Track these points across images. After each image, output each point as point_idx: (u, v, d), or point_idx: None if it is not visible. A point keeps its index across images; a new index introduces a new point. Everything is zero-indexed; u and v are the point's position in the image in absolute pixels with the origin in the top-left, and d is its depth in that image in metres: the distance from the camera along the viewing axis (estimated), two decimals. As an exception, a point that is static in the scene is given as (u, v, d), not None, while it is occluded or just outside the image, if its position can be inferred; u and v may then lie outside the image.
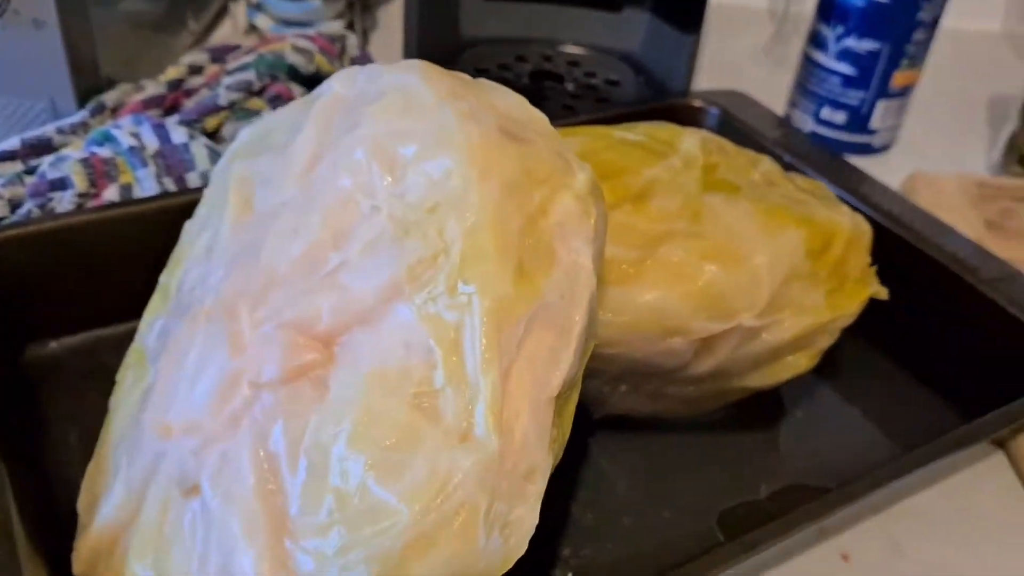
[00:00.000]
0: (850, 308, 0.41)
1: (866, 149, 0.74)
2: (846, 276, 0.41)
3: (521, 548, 0.28)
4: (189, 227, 0.41)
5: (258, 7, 0.78)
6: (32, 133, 0.57)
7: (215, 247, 0.36)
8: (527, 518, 0.28)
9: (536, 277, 0.30)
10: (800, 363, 0.42)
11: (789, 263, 0.39)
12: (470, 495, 0.27)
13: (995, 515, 0.46)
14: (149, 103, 0.60)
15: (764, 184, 0.44)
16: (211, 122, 0.59)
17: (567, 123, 0.53)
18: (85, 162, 0.53)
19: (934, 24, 0.69)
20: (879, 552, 0.43)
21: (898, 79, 0.70)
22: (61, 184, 0.53)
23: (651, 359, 0.39)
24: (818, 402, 0.51)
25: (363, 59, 0.68)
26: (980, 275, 0.50)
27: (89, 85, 0.59)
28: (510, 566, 0.28)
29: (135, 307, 0.42)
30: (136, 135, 0.55)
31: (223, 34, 0.80)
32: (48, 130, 0.57)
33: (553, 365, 0.29)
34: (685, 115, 0.63)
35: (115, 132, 0.55)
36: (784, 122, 0.63)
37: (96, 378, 0.45)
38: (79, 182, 0.52)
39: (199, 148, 0.56)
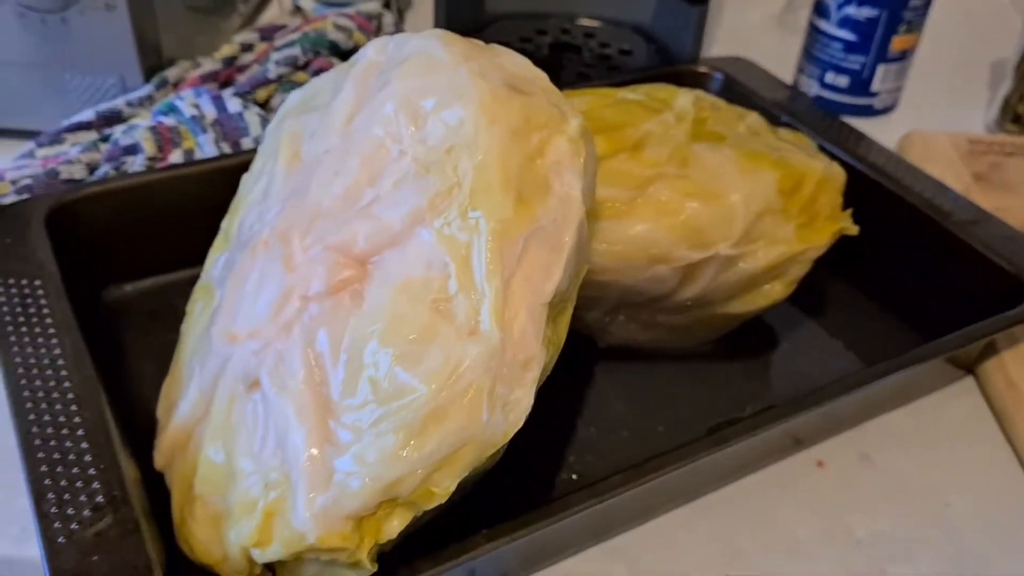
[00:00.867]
0: (819, 241, 0.46)
1: (868, 111, 0.79)
2: (817, 213, 0.47)
3: (518, 423, 0.34)
4: (246, 179, 0.47)
5: (302, -11, 0.85)
6: (104, 105, 0.64)
7: (270, 191, 0.43)
8: (524, 399, 0.34)
9: (533, 204, 0.36)
10: (776, 290, 0.47)
11: (763, 200, 0.45)
12: (477, 377, 0.33)
13: (960, 433, 0.51)
14: (206, 78, 0.67)
15: (748, 135, 0.49)
16: (262, 94, 0.66)
17: (579, 86, 0.59)
18: (153, 130, 0.61)
19: (930, -9, 0.73)
20: (852, 461, 0.49)
21: (897, 44, 0.75)
22: (133, 149, 0.60)
23: (640, 286, 0.45)
24: (801, 335, 0.57)
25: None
26: (953, 218, 0.55)
27: (153, 63, 0.66)
28: (509, 439, 0.34)
29: (197, 255, 0.48)
30: (196, 106, 0.62)
31: (270, 15, 0.87)
32: (118, 103, 0.64)
33: (547, 276, 0.35)
34: (691, 80, 0.68)
35: (178, 103, 0.62)
36: (784, 86, 0.69)
37: (163, 317, 0.53)
38: (148, 147, 0.60)
39: (252, 116, 0.63)
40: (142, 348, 0.53)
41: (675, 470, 0.40)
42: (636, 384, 0.53)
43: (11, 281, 0.46)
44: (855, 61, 0.76)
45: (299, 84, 0.67)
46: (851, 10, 0.74)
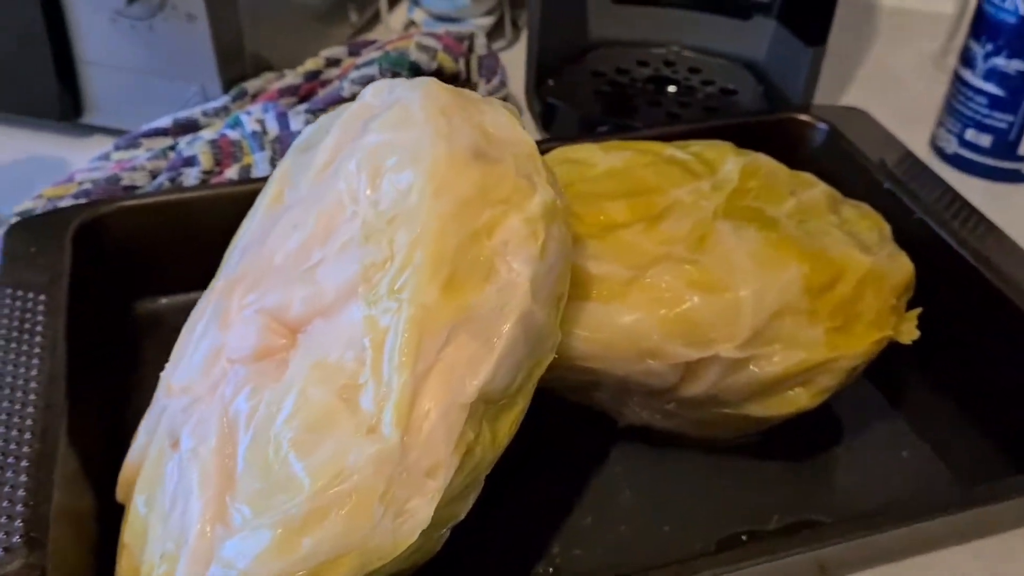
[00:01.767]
0: (854, 349, 0.40)
1: (1014, 176, 0.68)
2: (857, 316, 0.40)
3: (412, 535, 0.30)
4: (250, 212, 0.46)
5: (416, 2, 0.84)
6: (182, 113, 0.65)
7: (246, 232, 0.41)
8: (422, 509, 0.31)
9: (467, 290, 0.32)
10: (801, 399, 0.41)
11: (780, 297, 0.38)
12: (365, 480, 0.30)
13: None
14: (284, 92, 0.67)
15: (796, 213, 0.43)
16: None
17: (635, 136, 0.53)
18: (213, 143, 0.61)
19: (1098, 45, 0.62)
20: (885, 604, 0.42)
21: (1052, 103, 0.64)
22: (191, 161, 0.60)
23: (634, 377, 0.40)
24: (858, 439, 0.49)
25: (490, 58, 0.71)
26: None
27: (237, 74, 0.66)
28: (401, 551, 0.31)
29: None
30: (261, 122, 0.62)
31: (385, 28, 0.86)
32: (195, 112, 0.65)
33: (472, 373, 0.32)
34: (790, 130, 0.61)
35: (244, 118, 0.62)
36: (898, 145, 0.60)
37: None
38: (204, 161, 0.60)
39: (312, 136, 0.61)
40: (163, 363, 0.53)
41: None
42: (651, 472, 0.48)
43: (19, 293, 0.46)
44: (1001, 119, 0.66)
45: (374, 104, 0.66)
46: (1000, 61, 0.64)
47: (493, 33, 0.84)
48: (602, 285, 0.39)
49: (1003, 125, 0.66)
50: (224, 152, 0.61)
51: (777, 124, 0.61)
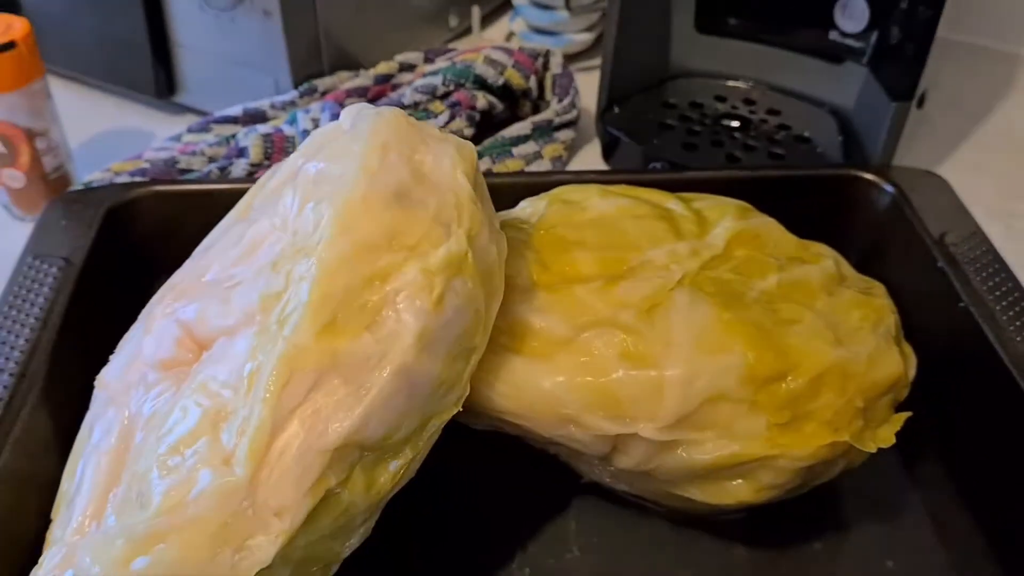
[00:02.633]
0: (799, 449, 0.36)
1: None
2: (808, 414, 0.36)
3: (250, 572, 0.30)
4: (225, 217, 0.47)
5: (517, 12, 0.83)
6: (253, 104, 0.67)
7: (208, 238, 0.42)
8: (263, 548, 0.30)
9: (344, 335, 0.31)
10: (741, 492, 0.38)
11: (713, 383, 0.35)
12: (206, 510, 0.30)
13: None
14: (352, 92, 0.68)
15: (775, 291, 0.39)
16: (393, 117, 0.66)
17: (659, 179, 0.51)
18: (267, 137, 0.63)
19: None
20: None
21: None
22: (243, 152, 0.62)
23: (561, 440, 0.38)
24: (843, 539, 0.45)
25: (564, 77, 0.70)
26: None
27: (310, 70, 0.68)
28: (239, 587, 0.30)
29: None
30: (315, 120, 0.63)
31: (488, 35, 0.86)
32: (264, 104, 0.67)
33: (335, 420, 0.31)
34: (849, 189, 0.57)
35: (301, 115, 0.64)
36: (967, 221, 0.54)
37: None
38: (254, 153, 0.62)
39: (361, 140, 0.62)
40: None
41: None
42: (607, 536, 0.45)
43: (36, 262, 0.50)
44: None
45: (433, 114, 0.66)
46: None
47: (591, 51, 0.82)
48: (536, 340, 0.38)
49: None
50: (276, 147, 0.63)
51: (834, 181, 0.57)
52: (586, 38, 0.82)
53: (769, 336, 0.37)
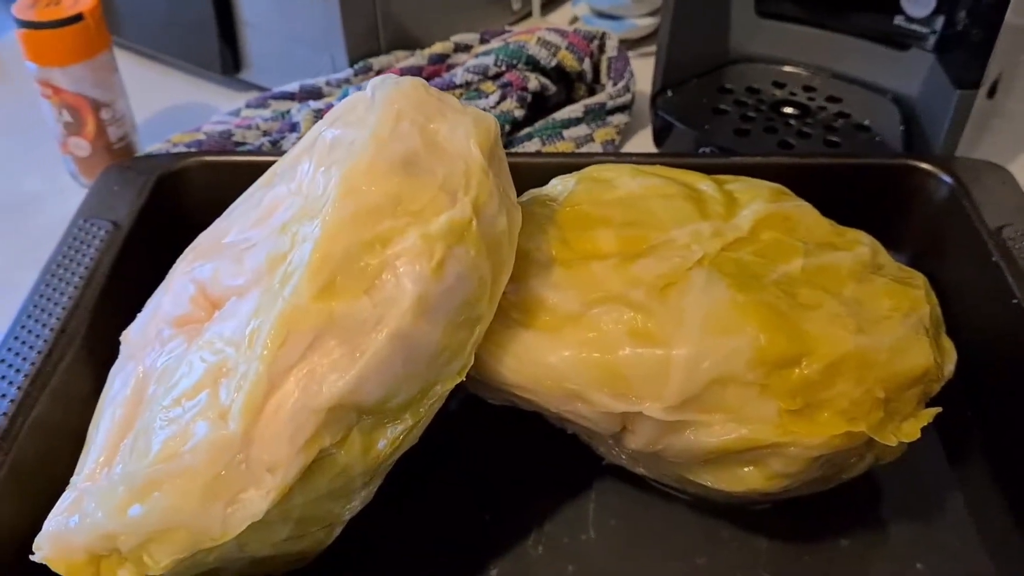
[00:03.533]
0: (812, 438, 0.35)
1: None
2: (823, 402, 0.35)
3: (241, 524, 0.31)
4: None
5: (582, -5, 0.82)
6: (310, 81, 0.69)
7: (238, 201, 0.43)
8: (255, 503, 0.31)
9: (342, 297, 0.32)
10: (753, 479, 0.37)
11: (721, 365, 0.34)
12: (198, 462, 0.31)
13: None
14: (406, 71, 0.68)
15: (798, 276, 0.38)
16: (446, 97, 0.66)
17: (682, 162, 0.49)
18: (318, 112, 0.64)
19: None
20: None
21: None
22: (295, 127, 0.63)
23: (570, 417, 0.38)
24: (875, 536, 0.43)
25: (620, 60, 0.69)
26: None
27: (366, 48, 0.69)
28: (230, 537, 0.31)
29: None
30: (366, 97, 0.64)
31: (552, 19, 0.85)
32: (320, 81, 0.68)
33: (329, 380, 0.31)
34: (904, 180, 0.54)
35: (351, 91, 0.65)
36: (1026, 215, 0.52)
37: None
38: (305, 127, 0.63)
39: (409, 118, 0.63)
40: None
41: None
42: (624, 518, 0.44)
43: (87, 224, 0.51)
44: None
45: (485, 94, 0.66)
46: None
47: (655, 35, 0.81)
48: (548, 315, 0.37)
49: None
50: (327, 122, 0.63)
51: (889, 170, 0.55)
52: (649, 23, 0.81)
53: (784, 320, 0.36)
